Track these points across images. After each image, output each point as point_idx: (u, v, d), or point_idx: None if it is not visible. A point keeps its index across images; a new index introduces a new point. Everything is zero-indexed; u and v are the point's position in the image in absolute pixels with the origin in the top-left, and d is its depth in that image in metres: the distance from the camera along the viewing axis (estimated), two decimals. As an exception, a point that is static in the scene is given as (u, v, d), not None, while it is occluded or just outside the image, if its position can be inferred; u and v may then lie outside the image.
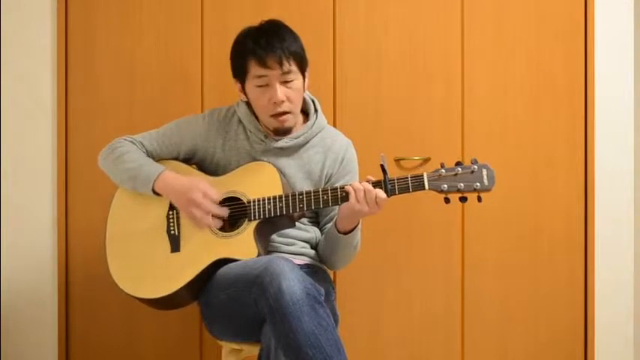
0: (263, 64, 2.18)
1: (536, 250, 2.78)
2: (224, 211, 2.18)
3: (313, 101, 2.38)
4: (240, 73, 2.26)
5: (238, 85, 2.29)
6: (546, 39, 2.77)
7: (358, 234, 2.25)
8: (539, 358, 2.78)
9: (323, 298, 1.96)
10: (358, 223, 2.22)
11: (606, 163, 2.76)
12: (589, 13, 2.76)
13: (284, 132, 2.28)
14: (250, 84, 2.23)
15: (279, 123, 2.25)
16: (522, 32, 2.77)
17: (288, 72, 2.21)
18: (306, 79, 2.29)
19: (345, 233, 2.20)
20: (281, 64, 2.18)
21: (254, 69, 2.20)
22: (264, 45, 2.18)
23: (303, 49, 2.26)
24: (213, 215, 2.16)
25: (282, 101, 2.21)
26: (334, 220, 2.23)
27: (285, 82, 2.21)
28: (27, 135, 2.75)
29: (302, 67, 2.25)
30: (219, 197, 2.19)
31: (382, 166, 2.09)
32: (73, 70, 2.77)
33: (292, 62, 2.21)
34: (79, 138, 2.76)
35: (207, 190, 2.17)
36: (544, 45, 2.77)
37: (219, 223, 2.18)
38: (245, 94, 2.28)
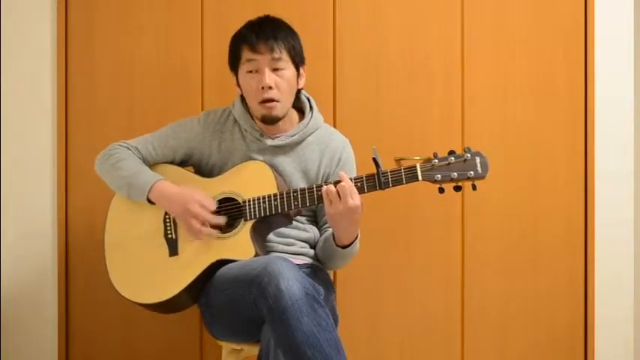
0: (254, 49, 2.22)
1: (536, 250, 2.78)
2: (221, 220, 2.18)
3: (309, 99, 2.38)
4: (234, 61, 2.30)
5: (234, 79, 2.32)
6: (546, 39, 2.77)
7: (357, 244, 2.23)
8: (539, 358, 2.78)
9: (322, 297, 1.96)
10: (357, 236, 2.20)
11: (606, 163, 2.76)
12: (589, 13, 2.76)
13: (271, 121, 2.27)
14: (242, 71, 2.27)
15: (267, 110, 2.25)
16: (522, 32, 2.77)
17: (279, 59, 2.23)
18: (302, 76, 2.31)
19: (344, 247, 2.19)
20: (272, 50, 2.22)
21: (245, 54, 2.24)
22: (257, 31, 2.24)
23: (298, 43, 2.29)
24: (211, 225, 2.16)
25: (270, 87, 2.22)
26: (332, 231, 2.21)
27: (275, 70, 2.23)
28: (27, 135, 2.74)
29: (295, 59, 2.27)
30: (215, 205, 2.18)
31: (374, 159, 2.08)
32: (73, 70, 2.77)
33: (283, 50, 2.24)
34: (79, 138, 2.76)
35: (204, 200, 2.17)
36: (544, 45, 2.77)
37: (217, 232, 2.17)
38: (239, 85, 2.30)
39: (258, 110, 2.27)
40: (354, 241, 2.19)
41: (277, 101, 2.24)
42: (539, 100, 2.77)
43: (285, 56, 2.24)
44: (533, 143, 2.77)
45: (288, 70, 2.25)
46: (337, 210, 2.06)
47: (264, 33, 2.23)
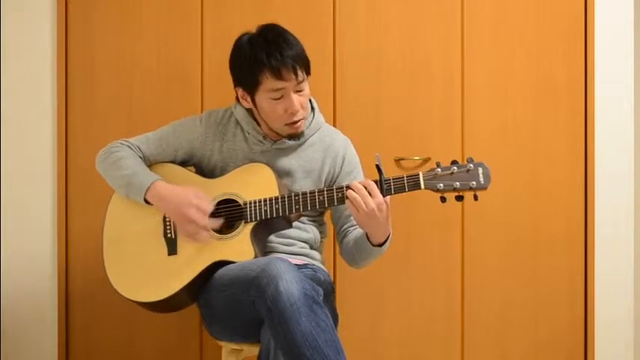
0: (279, 77, 2.16)
1: (536, 250, 2.78)
2: (218, 223, 2.16)
3: (311, 101, 2.38)
4: (249, 84, 2.21)
5: (240, 92, 2.26)
6: (546, 39, 2.77)
7: (390, 238, 2.22)
8: (539, 358, 2.78)
9: (321, 298, 1.96)
10: (390, 232, 2.19)
11: (606, 163, 2.76)
12: (589, 13, 2.75)
13: (297, 137, 2.28)
14: (263, 96, 2.20)
15: (295, 130, 2.25)
16: (522, 32, 2.77)
17: (302, 81, 2.20)
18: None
19: (380, 244, 2.18)
20: (296, 75, 2.17)
21: (269, 82, 2.17)
22: (278, 57, 2.15)
23: (306, 53, 2.24)
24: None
25: (299, 110, 2.21)
26: (363, 232, 2.19)
27: (298, 91, 2.21)
28: (27, 135, 2.75)
29: (309, 71, 2.25)
30: (213, 207, 2.17)
31: (377, 166, 2.09)
32: (73, 71, 2.77)
33: (304, 71, 2.20)
34: (79, 138, 2.76)
35: (200, 203, 2.15)
36: (544, 45, 2.77)
37: (214, 235, 2.17)
38: (251, 102, 2.25)
39: (283, 130, 2.25)
40: (389, 236, 2.19)
41: (303, 119, 2.25)
42: (539, 100, 2.77)
43: (305, 76, 2.21)
44: (533, 143, 2.77)
45: (307, 86, 2.24)
46: (363, 213, 2.06)
47: (285, 58, 2.15)
